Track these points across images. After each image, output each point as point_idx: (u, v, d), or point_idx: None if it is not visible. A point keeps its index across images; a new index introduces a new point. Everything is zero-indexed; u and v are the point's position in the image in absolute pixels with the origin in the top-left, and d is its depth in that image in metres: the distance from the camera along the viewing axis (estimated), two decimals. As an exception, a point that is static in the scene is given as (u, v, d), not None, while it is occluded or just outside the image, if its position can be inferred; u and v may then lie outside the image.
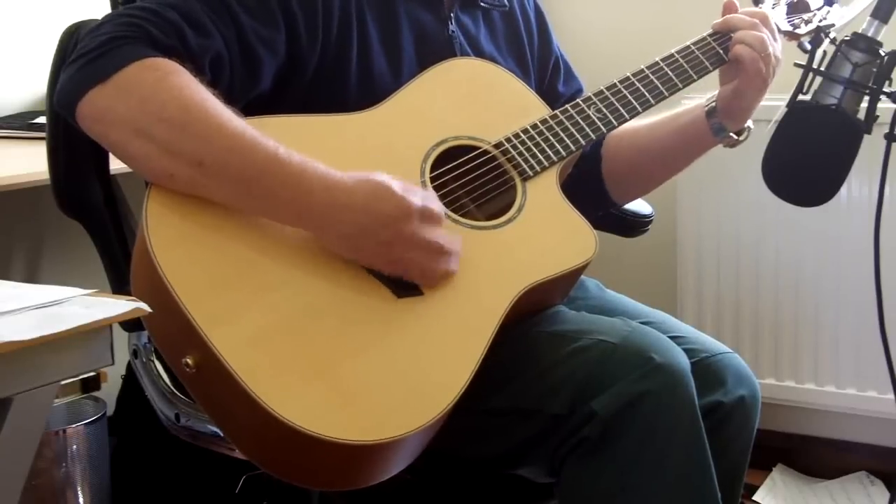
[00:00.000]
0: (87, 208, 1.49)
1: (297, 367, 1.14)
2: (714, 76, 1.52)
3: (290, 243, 1.21)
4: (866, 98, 1.39)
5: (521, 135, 1.41)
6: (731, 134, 1.50)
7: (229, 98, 1.24)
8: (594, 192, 1.58)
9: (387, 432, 1.12)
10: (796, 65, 1.42)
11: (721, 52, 1.49)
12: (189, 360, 1.14)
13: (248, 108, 1.27)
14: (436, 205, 1.25)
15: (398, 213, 1.21)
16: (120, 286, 1.47)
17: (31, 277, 2.24)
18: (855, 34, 1.40)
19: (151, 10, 1.24)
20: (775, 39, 1.49)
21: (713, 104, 1.50)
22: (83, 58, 1.21)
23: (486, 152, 1.39)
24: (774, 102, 1.47)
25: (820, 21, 1.56)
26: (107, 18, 1.26)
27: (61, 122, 1.45)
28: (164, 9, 1.24)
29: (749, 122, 1.52)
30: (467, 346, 1.22)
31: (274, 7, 1.31)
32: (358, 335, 1.19)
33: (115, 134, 1.21)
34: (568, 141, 1.42)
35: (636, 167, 1.59)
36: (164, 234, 1.17)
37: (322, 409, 1.12)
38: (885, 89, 1.38)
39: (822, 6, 1.58)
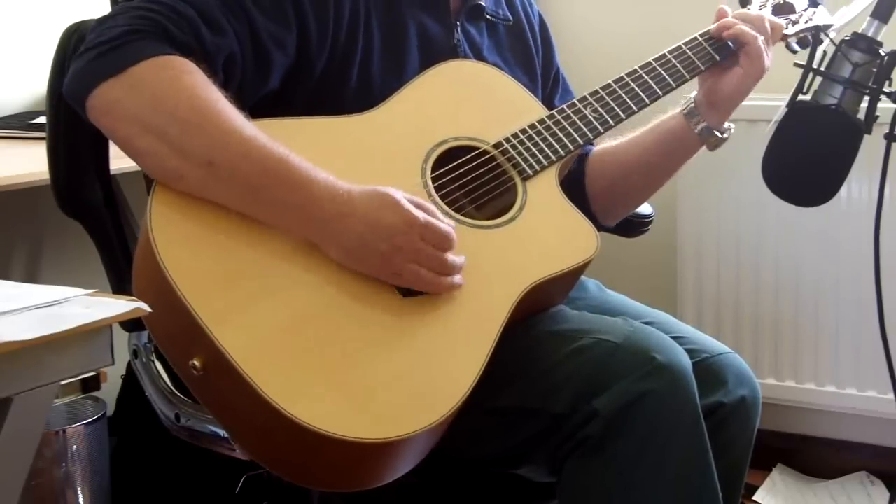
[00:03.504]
0: (87, 208, 1.49)
1: (306, 366, 1.14)
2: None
3: (295, 242, 1.21)
4: (866, 98, 1.39)
5: (520, 135, 1.42)
6: (715, 132, 1.50)
7: (239, 96, 1.24)
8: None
9: (395, 431, 1.12)
10: (796, 65, 1.42)
11: (712, 51, 1.50)
12: (196, 363, 1.14)
13: (255, 109, 1.27)
14: (442, 226, 1.23)
15: (400, 225, 1.20)
16: (120, 286, 1.47)
17: (31, 277, 2.24)
18: (855, 34, 1.40)
19: (168, 5, 1.23)
20: (771, 41, 1.50)
21: (691, 105, 1.51)
22: (96, 49, 1.20)
23: (485, 152, 1.39)
24: (774, 102, 1.47)
25: (806, 22, 1.57)
26: (120, 10, 1.24)
27: (62, 122, 1.45)
28: (180, 4, 1.24)
29: (728, 123, 1.52)
30: (474, 344, 1.22)
31: (287, 7, 1.31)
32: (365, 334, 1.19)
33: (125, 129, 1.20)
34: (566, 140, 1.43)
35: (619, 183, 1.58)
36: (169, 232, 1.17)
37: (331, 408, 1.12)
38: (885, 89, 1.38)
39: (808, 7, 1.59)
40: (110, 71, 1.19)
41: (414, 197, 1.24)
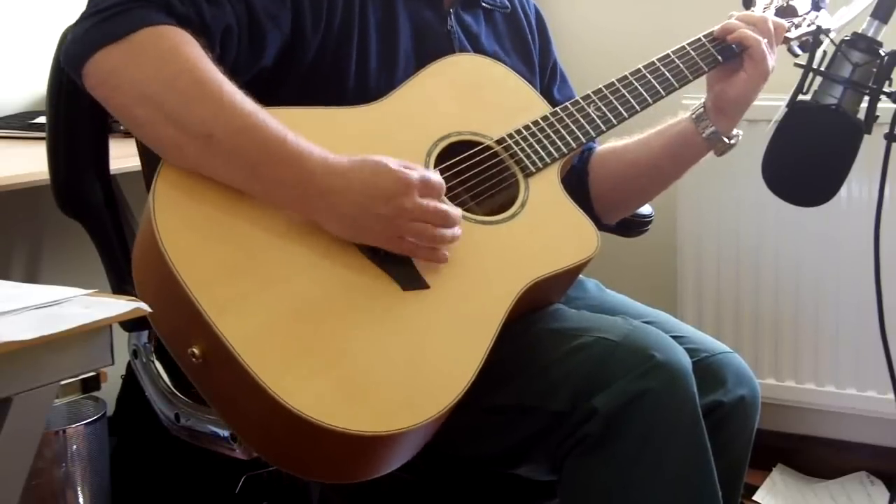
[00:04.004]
0: (87, 208, 1.49)
1: (306, 357, 1.15)
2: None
3: (297, 233, 1.22)
4: (866, 98, 1.38)
5: (524, 131, 1.42)
6: (723, 137, 1.50)
7: (234, 72, 1.24)
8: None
9: (393, 424, 1.13)
10: (796, 65, 1.42)
11: (715, 52, 1.50)
12: (196, 350, 1.14)
13: (249, 90, 1.27)
14: (435, 177, 1.25)
15: (397, 186, 1.21)
16: (120, 286, 1.47)
17: (31, 277, 2.24)
18: (855, 34, 1.39)
19: None
20: (774, 42, 1.50)
21: (700, 110, 1.52)
22: (95, 16, 1.20)
23: (488, 148, 1.40)
24: (774, 102, 1.47)
25: (808, 25, 1.57)
26: None
27: (61, 122, 1.45)
28: None
29: (737, 130, 1.52)
30: (473, 340, 1.22)
31: None
32: (365, 327, 1.19)
33: (122, 97, 1.20)
34: (569, 138, 1.43)
35: (624, 184, 1.59)
36: (171, 220, 1.17)
37: (330, 400, 1.12)
38: (885, 89, 1.38)
39: (810, 10, 1.59)
40: (109, 38, 1.18)
41: (399, 159, 1.24)
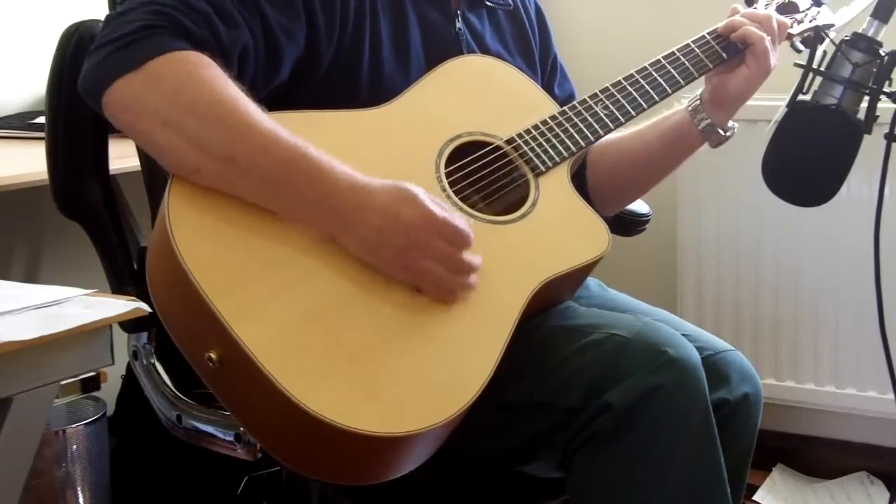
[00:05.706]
0: (87, 209, 1.48)
1: (322, 359, 1.15)
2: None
3: (312, 238, 1.21)
4: (866, 98, 1.39)
5: (533, 131, 1.42)
6: (719, 129, 1.50)
7: (252, 89, 1.24)
8: None
9: (410, 425, 1.13)
10: (796, 65, 1.42)
11: (720, 49, 1.50)
12: (213, 355, 1.14)
13: (265, 104, 1.28)
14: (461, 224, 1.23)
15: (418, 220, 1.20)
16: (120, 286, 1.47)
17: (31, 277, 2.25)
18: (855, 34, 1.40)
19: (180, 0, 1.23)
20: (777, 40, 1.50)
21: (696, 102, 1.52)
22: (111, 44, 1.20)
23: (498, 148, 1.40)
24: (774, 102, 1.47)
25: (810, 21, 1.57)
26: (133, 5, 1.23)
27: (61, 123, 1.45)
28: None
29: (732, 122, 1.53)
30: (488, 340, 1.22)
31: None
32: (379, 329, 1.19)
33: (143, 124, 1.20)
34: (578, 137, 1.44)
35: (620, 175, 1.59)
36: (188, 229, 1.17)
37: (347, 402, 1.12)
38: (885, 89, 1.38)
39: (811, 7, 1.59)
40: (127, 66, 1.18)
41: (431, 194, 1.24)
